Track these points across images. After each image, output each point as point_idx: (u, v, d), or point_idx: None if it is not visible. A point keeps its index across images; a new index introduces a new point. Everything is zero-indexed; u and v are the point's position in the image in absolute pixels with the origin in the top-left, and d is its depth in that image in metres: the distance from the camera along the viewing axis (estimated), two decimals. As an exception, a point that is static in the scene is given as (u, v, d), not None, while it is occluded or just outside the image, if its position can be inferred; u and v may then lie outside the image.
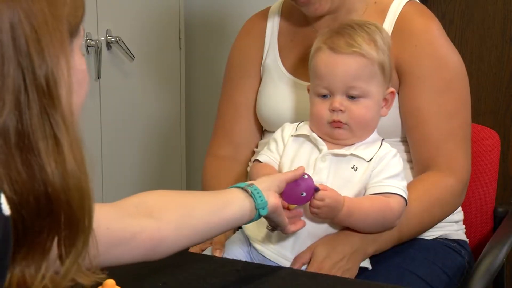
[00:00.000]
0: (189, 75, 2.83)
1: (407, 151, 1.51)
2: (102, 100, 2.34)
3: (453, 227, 1.56)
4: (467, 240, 1.60)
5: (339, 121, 1.33)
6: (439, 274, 1.45)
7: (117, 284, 1.00)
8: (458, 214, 1.58)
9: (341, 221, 1.31)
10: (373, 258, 1.38)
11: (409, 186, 1.40)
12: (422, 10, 1.53)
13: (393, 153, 1.35)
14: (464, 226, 1.61)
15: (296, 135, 1.40)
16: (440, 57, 1.48)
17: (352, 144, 1.35)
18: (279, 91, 1.57)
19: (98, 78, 2.30)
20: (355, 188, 1.32)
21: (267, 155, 1.42)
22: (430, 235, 1.51)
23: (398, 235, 1.39)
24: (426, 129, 1.46)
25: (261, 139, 1.64)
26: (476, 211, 1.71)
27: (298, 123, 1.43)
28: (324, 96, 1.35)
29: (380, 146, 1.35)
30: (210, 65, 2.77)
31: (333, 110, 1.33)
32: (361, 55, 1.32)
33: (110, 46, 2.36)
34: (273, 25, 1.63)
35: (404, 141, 1.51)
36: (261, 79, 1.63)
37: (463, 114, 1.50)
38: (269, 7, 1.67)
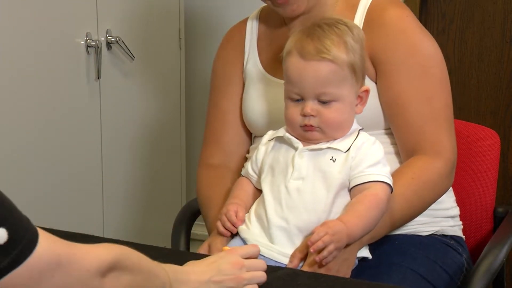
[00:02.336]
0: (189, 75, 2.83)
1: (393, 143, 1.51)
2: (102, 100, 2.34)
3: (448, 223, 1.56)
4: (463, 237, 1.60)
5: (311, 125, 1.34)
6: (440, 273, 1.46)
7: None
8: (454, 209, 1.58)
9: (353, 237, 1.29)
10: (374, 259, 1.38)
11: (398, 172, 1.42)
12: (392, 0, 1.54)
13: (371, 141, 1.36)
14: (461, 222, 1.61)
15: (274, 139, 1.41)
16: (413, 43, 1.49)
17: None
18: (262, 94, 1.59)
19: (98, 78, 2.30)
20: (337, 179, 1.32)
21: (247, 168, 1.45)
22: (426, 230, 1.52)
23: (390, 221, 1.39)
24: (407, 114, 1.47)
25: (251, 144, 1.66)
26: (476, 211, 1.71)
27: (279, 129, 1.43)
28: (297, 100, 1.36)
29: (357, 136, 1.36)
30: (210, 65, 2.76)
31: (304, 115, 1.34)
32: (330, 61, 1.32)
33: (110, 46, 2.36)
34: (252, 31, 1.66)
35: (388, 133, 1.52)
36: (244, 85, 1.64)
37: (443, 96, 1.50)
38: (248, 16, 1.70)
